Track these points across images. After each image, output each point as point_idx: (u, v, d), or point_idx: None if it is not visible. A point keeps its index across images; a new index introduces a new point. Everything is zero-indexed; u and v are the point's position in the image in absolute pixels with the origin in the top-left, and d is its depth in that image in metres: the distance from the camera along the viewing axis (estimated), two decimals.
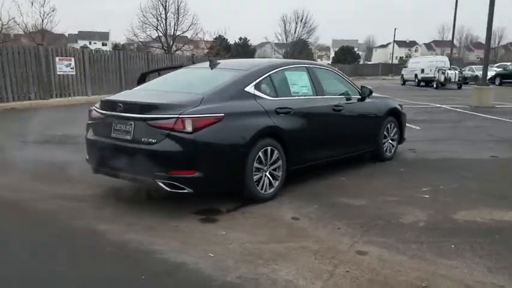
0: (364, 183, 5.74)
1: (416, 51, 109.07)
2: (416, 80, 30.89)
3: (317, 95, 5.71)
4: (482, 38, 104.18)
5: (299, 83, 5.59)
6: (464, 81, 29.06)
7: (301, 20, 48.48)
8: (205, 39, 35.94)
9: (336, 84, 6.20)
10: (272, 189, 4.93)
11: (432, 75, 28.88)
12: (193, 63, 7.29)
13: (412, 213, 4.52)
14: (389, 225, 4.21)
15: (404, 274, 3.24)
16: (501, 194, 5.25)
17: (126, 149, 4.53)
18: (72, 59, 17.63)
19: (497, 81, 30.52)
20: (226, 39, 50.37)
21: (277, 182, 4.99)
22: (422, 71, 30.21)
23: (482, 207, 4.75)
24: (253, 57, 52.99)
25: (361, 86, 6.44)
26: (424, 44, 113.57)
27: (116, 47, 51.51)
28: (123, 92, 5.44)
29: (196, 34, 32.94)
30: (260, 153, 4.74)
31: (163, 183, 4.33)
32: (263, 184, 4.83)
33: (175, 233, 4.06)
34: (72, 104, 16.26)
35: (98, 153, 4.87)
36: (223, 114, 4.46)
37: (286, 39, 49.35)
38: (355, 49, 75.16)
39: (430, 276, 3.21)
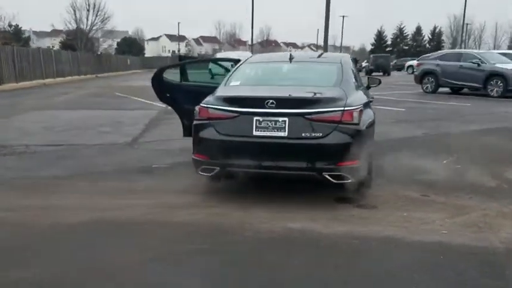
0: (393, 163, 6.43)
1: (187, 46, 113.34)
2: None
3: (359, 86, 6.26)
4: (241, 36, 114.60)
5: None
6: None
7: (93, 8, 45.30)
8: None
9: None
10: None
11: None
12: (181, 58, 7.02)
13: (482, 179, 5.52)
14: (494, 189, 5.17)
15: None
16: (499, 157, 6.74)
17: (281, 145, 4.37)
18: None
19: None
20: None
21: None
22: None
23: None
24: (28, 46, 46.77)
25: (369, 77, 7.20)
26: (193, 39, 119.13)
27: None
28: (228, 88, 4.99)
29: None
30: None
31: (330, 175, 4.37)
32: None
33: (366, 220, 4.25)
34: None
35: (230, 154, 4.49)
36: (362, 105, 4.69)
37: (77, 27, 45.38)
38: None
39: None
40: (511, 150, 7.39)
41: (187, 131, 6.66)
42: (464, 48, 57.77)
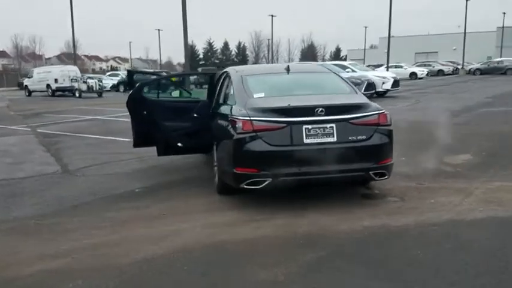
0: None
1: None
2: (50, 90, 30.01)
3: None
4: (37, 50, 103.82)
5: None
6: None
7: None
8: None
9: None
10: None
11: (68, 85, 29.08)
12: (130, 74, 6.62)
13: (436, 167, 6.42)
14: (456, 173, 6.14)
15: None
16: (419, 146, 7.91)
17: (332, 150, 4.58)
18: None
19: (121, 88, 33.24)
20: None
21: None
22: (56, 80, 29.83)
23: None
24: None
25: None
26: None
27: None
28: (260, 100, 4.85)
29: None
30: None
31: (374, 173, 4.75)
32: None
33: (413, 210, 4.72)
34: None
35: (283, 163, 4.53)
36: None
37: None
38: None
39: None
40: (419, 140, 8.60)
41: (162, 150, 6.25)
42: (268, 60, 63.56)
